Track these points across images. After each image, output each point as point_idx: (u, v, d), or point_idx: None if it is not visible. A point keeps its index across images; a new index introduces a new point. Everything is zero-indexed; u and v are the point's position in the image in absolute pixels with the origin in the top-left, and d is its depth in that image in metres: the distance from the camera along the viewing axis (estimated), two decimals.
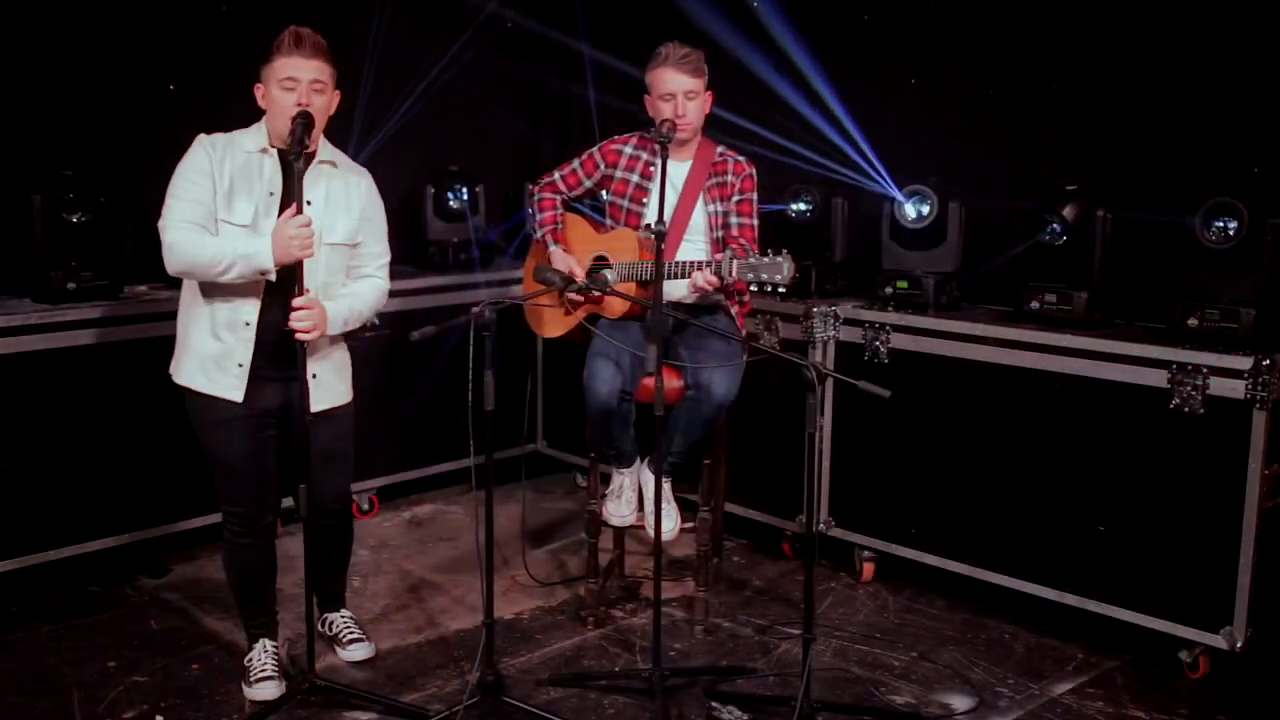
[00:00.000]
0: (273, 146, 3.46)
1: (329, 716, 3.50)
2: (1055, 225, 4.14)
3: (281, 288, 3.41)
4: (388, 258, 3.71)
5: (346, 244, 3.57)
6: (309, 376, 3.47)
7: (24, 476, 4.13)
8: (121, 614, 4.17)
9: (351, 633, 3.88)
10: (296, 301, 3.35)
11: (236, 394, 3.44)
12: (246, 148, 3.44)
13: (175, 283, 4.54)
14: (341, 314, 3.52)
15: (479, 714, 3.47)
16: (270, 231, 3.35)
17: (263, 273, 3.34)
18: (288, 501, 3.72)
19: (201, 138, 3.46)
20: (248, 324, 3.43)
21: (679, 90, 3.88)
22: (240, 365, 3.43)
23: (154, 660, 3.83)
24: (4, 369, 4.06)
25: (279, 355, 3.46)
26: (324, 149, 3.57)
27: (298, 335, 3.35)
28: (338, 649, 3.86)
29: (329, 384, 3.60)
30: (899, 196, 4.45)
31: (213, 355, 3.45)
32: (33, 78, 4.49)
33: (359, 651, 3.84)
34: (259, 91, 3.45)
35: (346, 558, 3.98)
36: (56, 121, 4.53)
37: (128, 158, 4.68)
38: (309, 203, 3.43)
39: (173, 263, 3.39)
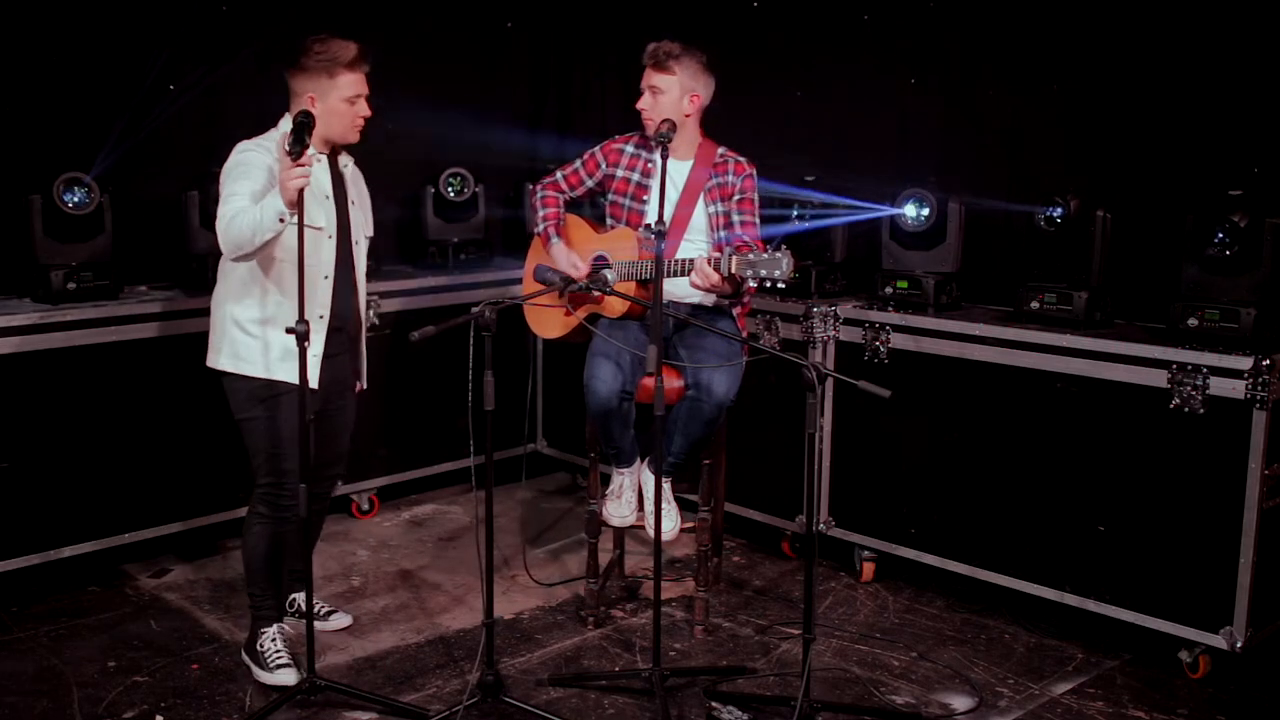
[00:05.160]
0: (320, 152, 3.63)
1: (329, 716, 3.50)
2: (1057, 210, 4.12)
3: (343, 277, 3.67)
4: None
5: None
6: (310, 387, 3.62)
7: (24, 476, 4.13)
8: (121, 614, 4.17)
9: (325, 605, 4.08)
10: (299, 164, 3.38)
11: (314, 379, 3.60)
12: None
13: (176, 284, 4.60)
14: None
15: (479, 714, 3.47)
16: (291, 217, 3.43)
17: (281, 217, 3.36)
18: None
19: (249, 144, 3.56)
20: (322, 316, 3.62)
21: (644, 85, 3.99)
22: (316, 355, 3.60)
23: (154, 660, 3.83)
24: (4, 369, 4.06)
25: (343, 334, 3.74)
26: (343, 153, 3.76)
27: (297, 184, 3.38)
28: (318, 624, 3.93)
29: (366, 357, 3.88)
30: (893, 209, 4.46)
31: (292, 349, 3.52)
32: (33, 78, 4.49)
33: (341, 619, 4.05)
34: (309, 100, 3.54)
35: (320, 531, 4.11)
36: (56, 121, 4.52)
37: (128, 157, 4.68)
38: (353, 202, 3.73)
39: (224, 244, 3.49)
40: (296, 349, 3.50)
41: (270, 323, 3.59)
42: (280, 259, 3.52)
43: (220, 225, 3.48)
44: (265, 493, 3.66)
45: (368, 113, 3.62)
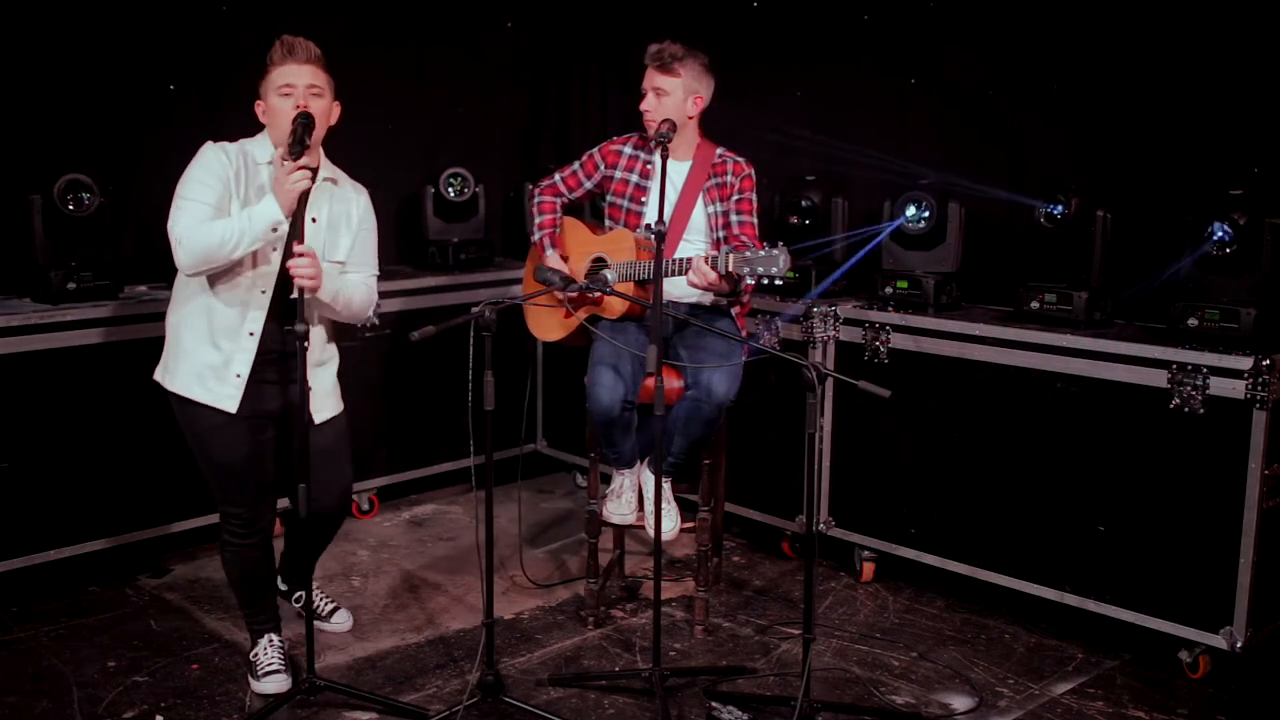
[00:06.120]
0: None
1: (329, 716, 3.50)
2: (1058, 207, 4.11)
3: (281, 296, 3.43)
4: (376, 273, 3.71)
5: (342, 260, 3.60)
6: (308, 389, 3.50)
7: (24, 476, 4.12)
8: (121, 614, 4.17)
9: (329, 602, 4.03)
10: (298, 248, 3.31)
11: (231, 404, 3.44)
12: (259, 160, 3.46)
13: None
14: (334, 286, 3.49)
15: (479, 714, 3.47)
16: (285, 228, 3.36)
17: (274, 226, 3.30)
18: (283, 503, 3.72)
19: (212, 145, 3.46)
20: (251, 334, 3.44)
21: (648, 86, 3.97)
22: (239, 375, 3.44)
23: (154, 660, 3.83)
24: (4, 369, 4.06)
25: (280, 361, 3.48)
26: (325, 166, 3.58)
27: (297, 282, 3.30)
28: (320, 625, 3.93)
29: (325, 393, 3.64)
30: (894, 223, 4.46)
31: (211, 364, 3.45)
32: (33, 78, 4.48)
33: (343, 619, 4.01)
34: (259, 108, 3.48)
35: (326, 546, 4.01)
36: (56, 121, 4.52)
37: (128, 158, 4.69)
38: (313, 220, 3.48)
39: (186, 258, 3.34)
40: (217, 369, 3.42)
41: (199, 333, 3.45)
42: (225, 267, 3.37)
43: (180, 231, 3.31)
44: (222, 521, 3.62)
45: (302, 103, 3.37)
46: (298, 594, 4.01)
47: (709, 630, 4.09)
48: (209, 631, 4.04)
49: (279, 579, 3.97)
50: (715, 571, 4.38)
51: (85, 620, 4.10)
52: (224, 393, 3.44)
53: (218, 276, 3.41)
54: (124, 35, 4.66)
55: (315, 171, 3.49)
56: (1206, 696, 3.71)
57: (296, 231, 3.36)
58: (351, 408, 3.83)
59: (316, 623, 3.91)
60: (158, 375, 3.58)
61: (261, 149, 3.48)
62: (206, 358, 3.44)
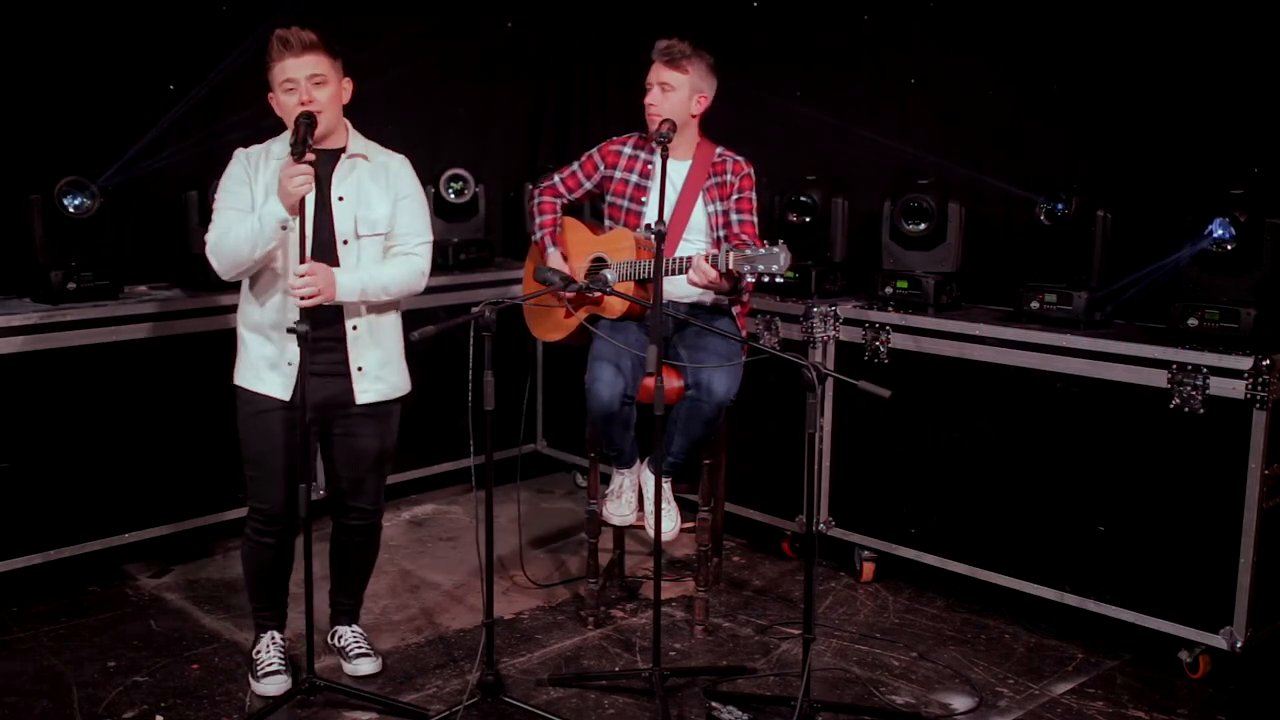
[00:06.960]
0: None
1: (329, 716, 3.50)
2: (1059, 205, 4.11)
3: None
4: (428, 239, 3.67)
5: (384, 233, 3.57)
6: (355, 369, 3.54)
7: (24, 476, 4.12)
8: (121, 614, 4.17)
9: (359, 648, 3.80)
10: (298, 269, 3.35)
11: (284, 392, 3.48)
12: (277, 154, 3.49)
13: (176, 284, 4.61)
14: (358, 283, 3.46)
15: (479, 714, 3.47)
16: (295, 224, 3.38)
17: (282, 224, 3.33)
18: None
19: (237, 151, 3.53)
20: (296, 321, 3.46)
21: (654, 80, 3.96)
22: (290, 364, 3.47)
23: (154, 660, 3.83)
24: (4, 369, 4.06)
25: (324, 351, 3.48)
26: (354, 142, 3.57)
27: (300, 300, 3.33)
28: (343, 662, 3.79)
29: (376, 375, 3.60)
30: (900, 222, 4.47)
31: (265, 356, 3.51)
32: (33, 78, 4.48)
33: (364, 665, 3.76)
34: (272, 100, 3.49)
35: (369, 568, 3.90)
36: (56, 121, 4.52)
37: (127, 158, 4.68)
38: (340, 198, 3.49)
39: (217, 264, 3.45)
40: (272, 359, 3.47)
41: (252, 327, 3.53)
42: (257, 267, 3.45)
43: (211, 241, 3.43)
44: (248, 514, 3.64)
45: (306, 98, 3.37)
46: (335, 630, 3.88)
47: (709, 630, 4.09)
48: (209, 631, 4.04)
49: (330, 615, 3.88)
50: (715, 571, 4.38)
51: (85, 620, 4.11)
52: (277, 382, 3.50)
53: (260, 272, 3.48)
54: (124, 35, 4.66)
55: (342, 151, 3.52)
56: (1206, 696, 3.71)
57: (324, 213, 3.43)
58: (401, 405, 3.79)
59: (341, 659, 3.81)
60: (235, 375, 3.61)
61: (282, 144, 3.51)
62: (263, 350, 3.51)
